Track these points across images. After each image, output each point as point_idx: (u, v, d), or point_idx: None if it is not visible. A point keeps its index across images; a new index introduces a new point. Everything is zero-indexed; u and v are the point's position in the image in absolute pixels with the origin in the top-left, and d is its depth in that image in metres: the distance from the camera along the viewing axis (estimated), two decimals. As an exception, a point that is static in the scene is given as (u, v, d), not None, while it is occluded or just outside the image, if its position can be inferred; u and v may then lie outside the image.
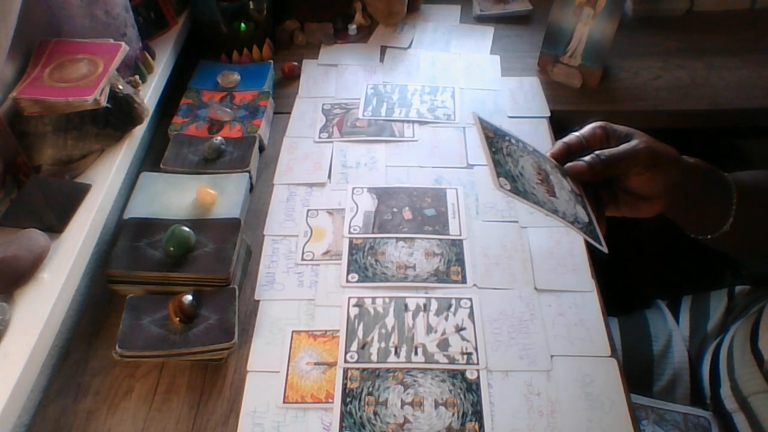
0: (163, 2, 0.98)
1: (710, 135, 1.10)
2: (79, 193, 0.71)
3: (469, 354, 0.67)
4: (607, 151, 0.59)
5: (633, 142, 0.59)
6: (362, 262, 0.76)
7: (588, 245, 0.77)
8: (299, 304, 0.72)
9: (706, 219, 0.64)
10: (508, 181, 0.51)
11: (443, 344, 0.67)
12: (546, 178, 0.56)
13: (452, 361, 0.66)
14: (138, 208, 0.79)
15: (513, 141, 0.57)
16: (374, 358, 0.66)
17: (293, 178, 0.87)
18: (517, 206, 0.82)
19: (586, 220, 0.56)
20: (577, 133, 0.62)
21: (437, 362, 0.66)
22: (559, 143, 0.62)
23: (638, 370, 0.80)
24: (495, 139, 0.55)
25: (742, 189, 0.62)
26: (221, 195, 0.80)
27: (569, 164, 0.60)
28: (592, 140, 0.61)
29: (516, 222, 0.80)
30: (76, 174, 0.74)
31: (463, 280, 0.74)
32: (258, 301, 0.73)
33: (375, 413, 0.62)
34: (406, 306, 0.71)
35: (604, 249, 0.56)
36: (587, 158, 0.59)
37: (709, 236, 0.64)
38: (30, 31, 0.76)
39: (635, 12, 1.18)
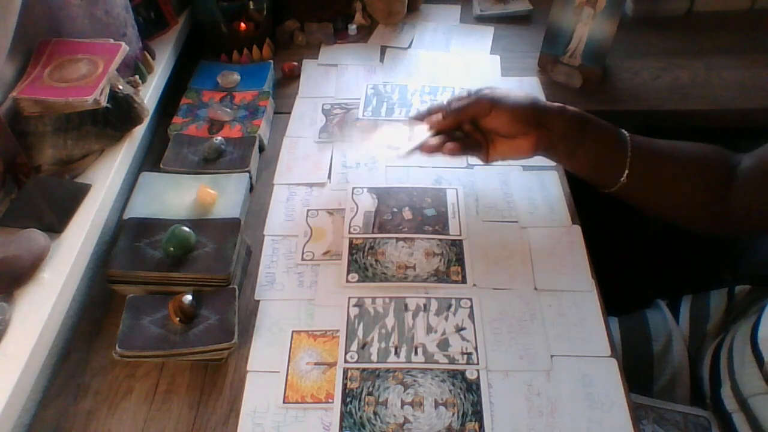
0: (163, 2, 0.98)
1: (710, 135, 1.10)
2: (79, 193, 0.71)
3: (469, 354, 0.67)
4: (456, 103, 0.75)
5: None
6: (362, 262, 0.76)
7: (587, 244, 0.77)
8: (299, 304, 0.72)
9: (602, 172, 0.74)
10: None
11: (443, 344, 0.67)
12: None
13: (452, 361, 0.66)
14: (138, 208, 0.79)
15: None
16: (374, 358, 0.66)
17: (293, 178, 0.88)
18: (517, 206, 0.82)
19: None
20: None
21: (437, 362, 0.66)
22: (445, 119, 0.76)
23: (638, 370, 0.80)
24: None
25: (637, 146, 0.71)
26: (221, 195, 0.80)
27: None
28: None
29: (516, 222, 0.80)
30: (76, 174, 0.74)
31: (463, 280, 0.74)
32: (258, 301, 0.73)
33: (375, 413, 0.62)
34: (406, 306, 0.71)
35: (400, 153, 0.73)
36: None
37: (611, 190, 0.74)
38: (30, 31, 0.76)
39: (635, 12, 1.18)
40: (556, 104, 0.74)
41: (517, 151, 0.75)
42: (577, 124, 0.72)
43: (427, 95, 1.00)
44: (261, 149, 0.92)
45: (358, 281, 0.74)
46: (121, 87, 0.77)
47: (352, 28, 1.14)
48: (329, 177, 0.87)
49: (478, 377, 0.65)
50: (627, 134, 0.72)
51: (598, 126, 0.73)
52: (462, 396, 0.63)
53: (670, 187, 0.73)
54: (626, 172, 0.71)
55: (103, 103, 0.73)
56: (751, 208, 0.68)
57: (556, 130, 0.72)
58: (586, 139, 0.72)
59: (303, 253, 0.77)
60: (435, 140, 0.74)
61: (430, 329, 0.69)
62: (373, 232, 0.79)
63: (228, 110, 0.93)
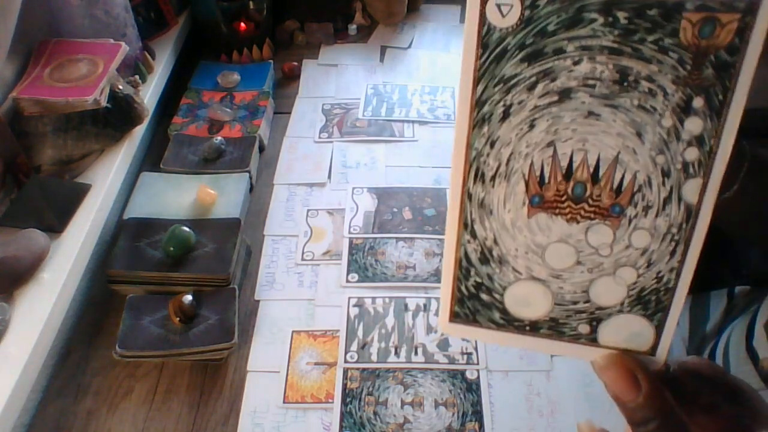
0: (163, 2, 0.98)
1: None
2: (79, 193, 0.71)
3: (469, 354, 0.67)
4: None
5: None
6: (362, 262, 0.76)
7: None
8: (299, 304, 0.72)
9: None
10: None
11: (443, 344, 0.67)
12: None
13: (452, 361, 0.66)
14: (138, 208, 0.78)
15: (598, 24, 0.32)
16: (374, 358, 0.66)
17: (293, 178, 0.87)
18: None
19: None
20: None
21: (437, 362, 0.66)
22: None
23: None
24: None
25: (755, 153, 0.58)
26: (221, 195, 0.80)
27: None
28: None
29: (516, 222, 0.80)
30: (76, 174, 0.74)
31: (463, 280, 0.73)
32: (258, 301, 0.73)
33: (375, 413, 0.62)
34: (406, 306, 0.71)
35: None
36: None
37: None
38: (30, 31, 0.76)
39: (635, 12, 1.18)
40: None
41: None
42: None
43: (427, 95, 1.00)
44: (261, 149, 0.92)
45: (358, 281, 0.74)
46: (121, 87, 0.77)
47: (352, 28, 1.14)
48: (329, 177, 0.87)
49: (478, 377, 0.65)
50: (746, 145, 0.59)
51: None
52: (462, 396, 0.63)
53: None
54: (735, 187, 0.58)
55: (103, 103, 0.73)
56: None
57: None
58: None
59: (303, 253, 0.77)
60: None
61: (430, 329, 0.69)
62: (373, 232, 0.79)
63: (228, 110, 0.93)
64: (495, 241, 0.29)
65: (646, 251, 0.27)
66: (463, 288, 0.30)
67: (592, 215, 0.27)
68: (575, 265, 0.28)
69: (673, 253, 0.27)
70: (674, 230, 0.27)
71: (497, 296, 0.30)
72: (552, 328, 0.30)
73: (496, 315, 0.30)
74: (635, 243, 0.27)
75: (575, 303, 0.29)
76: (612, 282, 0.28)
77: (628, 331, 0.30)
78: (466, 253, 0.29)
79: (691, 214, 0.26)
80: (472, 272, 0.29)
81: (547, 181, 0.27)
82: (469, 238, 0.29)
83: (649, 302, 0.29)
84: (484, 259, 0.29)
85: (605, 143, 0.26)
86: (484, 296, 0.30)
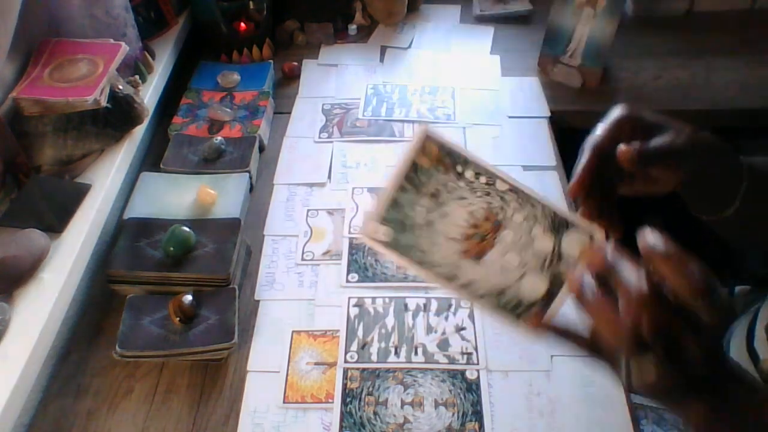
0: (163, 2, 0.98)
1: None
2: (79, 193, 0.71)
3: (469, 354, 0.67)
4: (652, 147, 0.49)
5: (671, 139, 0.50)
6: (362, 262, 0.76)
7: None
8: (299, 304, 0.72)
9: (711, 199, 0.59)
10: (392, 229, 0.42)
11: (443, 344, 0.67)
12: (491, 233, 0.43)
13: (452, 361, 0.66)
14: (138, 208, 0.78)
15: (467, 175, 0.42)
16: (374, 358, 0.66)
17: (293, 178, 0.87)
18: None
19: (532, 297, 0.43)
20: (601, 132, 0.49)
21: (437, 362, 0.66)
22: (588, 160, 0.47)
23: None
24: (426, 172, 0.42)
25: (753, 172, 0.58)
26: (221, 195, 0.80)
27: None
28: (619, 136, 0.49)
29: (516, 222, 0.80)
30: (76, 174, 0.74)
31: (463, 280, 0.74)
32: (258, 301, 0.73)
33: (375, 413, 0.62)
34: (406, 306, 0.71)
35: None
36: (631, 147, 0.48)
37: (713, 217, 0.59)
38: (30, 31, 0.76)
39: (635, 12, 1.18)
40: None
41: (656, 188, 0.56)
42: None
43: (427, 95, 1.00)
44: (261, 149, 0.92)
45: (358, 281, 0.74)
46: (121, 87, 0.77)
47: (352, 28, 1.14)
48: (329, 177, 0.87)
49: (478, 377, 0.65)
50: (744, 163, 0.58)
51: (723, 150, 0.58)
52: (462, 396, 0.63)
53: None
54: (736, 204, 0.57)
55: (103, 103, 0.73)
56: None
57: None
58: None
59: (303, 253, 0.77)
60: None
61: (430, 329, 0.69)
62: (373, 232, 0.79)
63: (228, 110, 0.93)
64: None
65: None
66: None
67: None
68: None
69: None
70: None
71: None
72: None
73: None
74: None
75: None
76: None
77: None
78: None
79: None
80: None
81: None
82: None
83: None
84: None
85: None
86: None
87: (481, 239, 0.42)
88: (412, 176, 0.41)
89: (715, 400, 0.44)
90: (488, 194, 0.43)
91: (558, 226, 0.43)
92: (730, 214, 0.58)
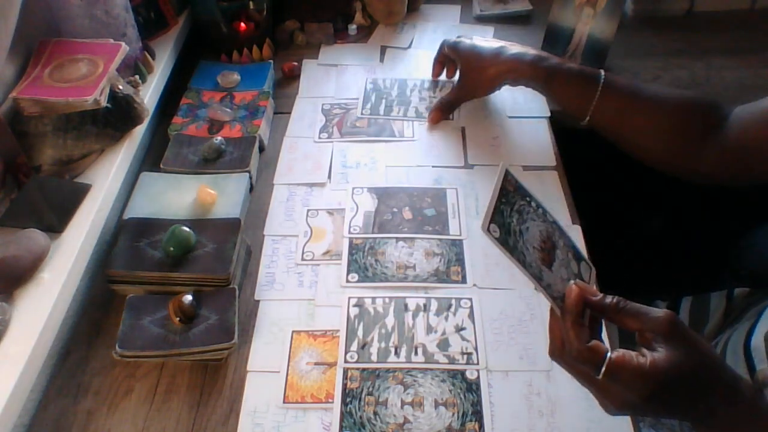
0: (163, 2, 0.98)
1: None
2: (79, 193, 0.71)
3: (469, 354, 0.67)
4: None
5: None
6: (362, 262, 0.76)
7: (587, 244, 0.77)
8: (299, 304, 0.72)
9: (571, 109, 0.84)
10: (499, 229, 0.49)
11: (443, 344, 0.67)
12: (551, 249, 0.53)
13: (452, 361, 0.66)
14: (138, 208, 0.79)
15: (533, 204, 0.54)
16: (374, 358, 0.66)
17: (293, 178, 0.88)
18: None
19: None
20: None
21: (437, 362, 0.66)
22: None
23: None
24: (512, 194, 0.52)
25: (608, 88, 0.79)
26: (221, 195, 0.80)
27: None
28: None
29: (516, 222, 0.80)
30: (76, 174, 0.74)
31: (463, 280, 0.74)
32: (258, 301, 0.73)
33: (375, 413, 0.62)
34: (406, 306, 0.71)
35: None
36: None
37: (582, 124, 0.82)
38: (30, 31, 0.76)
39: (635, 12, 1.18)
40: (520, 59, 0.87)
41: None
42: (543, 76, 0.84)
43: (426, 91, 1.00)
44: (261, 149, 0.92)
45: (358, 281, 0.74)
46: (121, 87, 0.77)
47: (352, 28, 1.14)
48: (329, 177, 0.87)
49: (478, 377, 0.65)
50: (603, 76, 0.80)
51: (566, 76, 0.82)
52: (462, 396, 0.63)
53: (635, 126, 0.78)
54: (590, 111, 0.80)
55: (103, 103, 0.73)
56: (746, 150, 0.72)
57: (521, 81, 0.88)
58: (554, 85, 0.83)
59: (303, 253, 0.77)
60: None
61: (430, 329, 0.69)
62: (373, 232, 0.79)
63: (228, 110, 0.93)
64: None
65: None
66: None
67: None
68: None
69: None
70: None
71: None
72: None
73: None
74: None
75: None
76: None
77: None
78: None
79: None
80: None
81: None
82: None
83: None
84: None
85: None
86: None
87: (548, 253, 0.53)
88: (506, 192, 0.52)
89: (707, 420, 0.50)
90: (544, 222, 0.54)
91: (577, 254, 0.56)
92: (589, 118, 0.80)
